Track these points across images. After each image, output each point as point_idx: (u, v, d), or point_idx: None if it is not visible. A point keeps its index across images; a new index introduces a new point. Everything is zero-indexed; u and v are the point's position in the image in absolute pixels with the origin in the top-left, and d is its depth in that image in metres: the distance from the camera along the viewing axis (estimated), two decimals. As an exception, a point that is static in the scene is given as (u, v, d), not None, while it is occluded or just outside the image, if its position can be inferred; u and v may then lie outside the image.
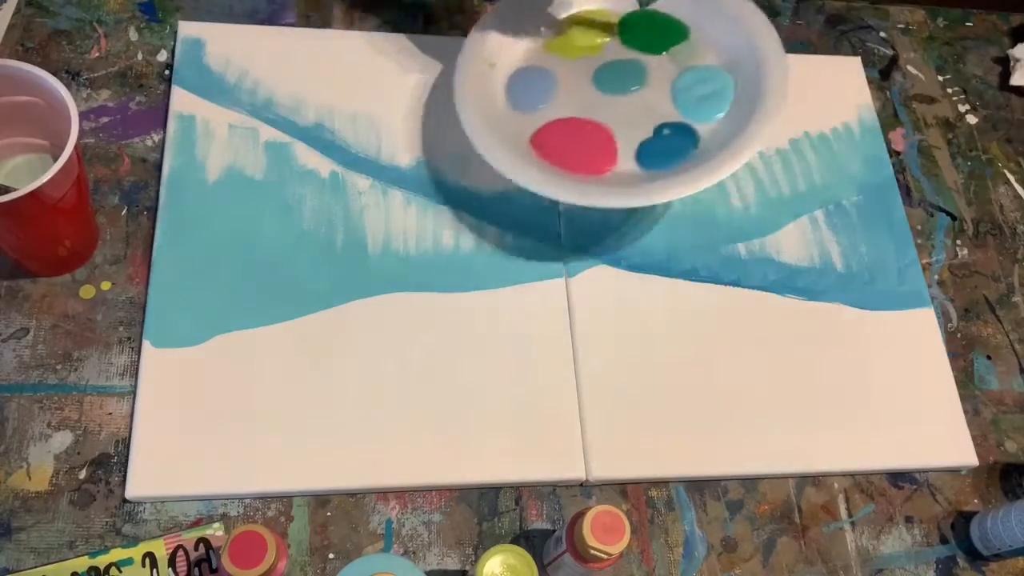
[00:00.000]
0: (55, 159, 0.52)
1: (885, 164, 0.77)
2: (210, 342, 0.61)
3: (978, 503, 0.66)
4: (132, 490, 0.56)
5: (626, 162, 0.65)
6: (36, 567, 0.54)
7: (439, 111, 0.71)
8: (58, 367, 0.59)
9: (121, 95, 0.69)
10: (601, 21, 0.71)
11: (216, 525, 0.56)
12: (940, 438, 0.66)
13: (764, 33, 0.67)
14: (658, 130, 0.66)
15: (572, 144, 0.65)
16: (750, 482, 0.63)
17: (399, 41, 0.74)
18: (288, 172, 0.67)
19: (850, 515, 0.64)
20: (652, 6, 0.71)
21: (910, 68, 0.84)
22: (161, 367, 0.59)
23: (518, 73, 0.69)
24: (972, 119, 0.83)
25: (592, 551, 0.50)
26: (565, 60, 0.69)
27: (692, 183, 0.61)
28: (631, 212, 0.70)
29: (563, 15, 0.71)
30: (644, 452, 0.62)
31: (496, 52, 0.68)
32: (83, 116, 0.67)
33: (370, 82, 0.72)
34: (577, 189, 0.61)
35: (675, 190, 0.61)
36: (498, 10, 0.69)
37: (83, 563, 0.54)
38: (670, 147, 0.65)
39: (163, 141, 0.67)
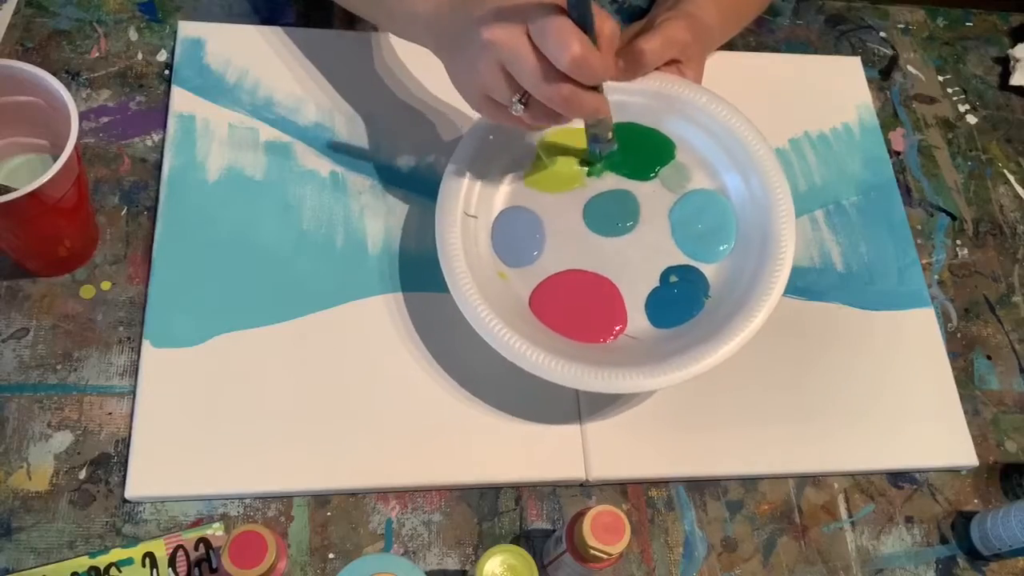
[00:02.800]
0: (55, 159, 0.52)
1: (885, 164, 0.77)
2: (210, 342, 0.61)
3: (978, 503, 0.66)
4: (132, 490, 0.56)
5: (636, 319, 0.60)
6: (36, 567, 0.54)
7: (439, 111, 0.71)
8: (58, 367, 0.59)
9: (121, 95, 0.69)
10: (579, 142, 0.63)
11: (216, 525, 0.56)
12: (940, 438, 0.66)
13: (757, 148, 0.62)
14: (664, 277, 0.61)
15: (575, 304, 0.60)
16: (750, 482, 0.63)
17: (399, 41, 0.74)
18: (288, 172, 0.67)
19: (850, 515, 0.64)
20: (630, 119, 0.64)
21: (910, 68, 0.84)
22: (161, 367, 0.59)
23: (501, 219, 0.62)
24: (972, 119, 0.83)
25: (592, 551, 0.50)
26: (549, 195, 0.63)
27: (713, 350, 0.56)
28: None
29: (536, 141, 0.64)
30: (644, 452, 0.62)
31: (474, 201, 0.62)
32: (83, 116, 0.67)
33: (370, 82, 0.72)
34: (602, 375, 0.56)
35: (696, 366, 0.56)
36: (465, 150, 0.62)
37: (83, 563, 0.54)
38: (680, 298, 0.60)
39: (163, 141, 0.67)
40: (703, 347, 0.57)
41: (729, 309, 0.58)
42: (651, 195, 0.63)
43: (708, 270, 0.61)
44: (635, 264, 0.62)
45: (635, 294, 0.61)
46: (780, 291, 0.58)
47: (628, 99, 0.63)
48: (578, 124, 0.61)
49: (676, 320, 0.60)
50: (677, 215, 0.63)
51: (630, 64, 0.62)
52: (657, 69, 0.63)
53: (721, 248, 0.62)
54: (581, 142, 0.63)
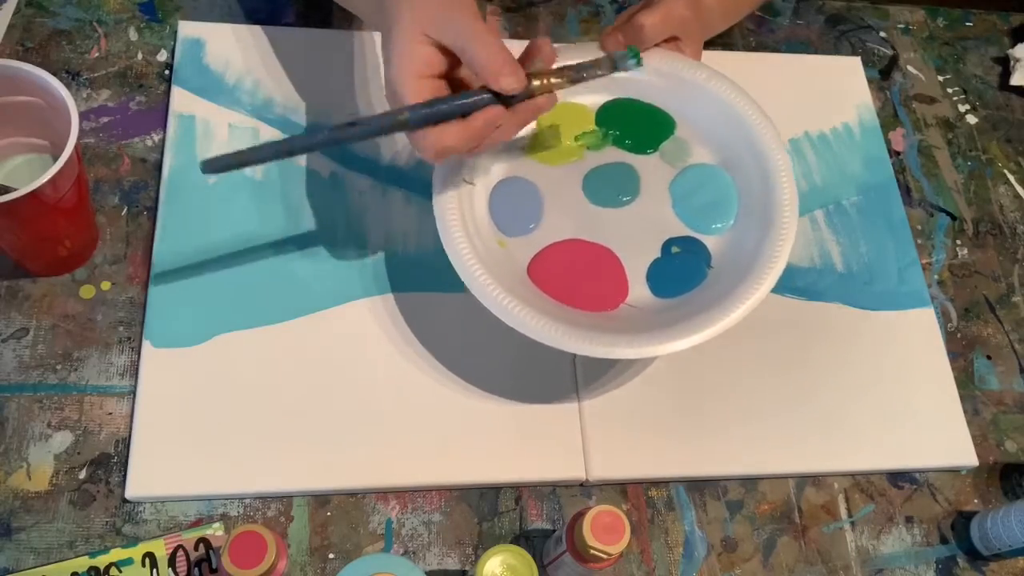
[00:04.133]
0: (55, 159, 0.52)
1: (885, 164, 0.77)
2: (210, 342, 0.61)
3: (978, 503, 0.66)
4: (132, 490, 0.56)
5: (638, 289, 0.59)
6: (36, 567, 0.54)
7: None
8: (58, 367, 0.59)
9: (121, 95, 0.69)
10: (577, 117, 0.63)
11: (216, 525, 0.56)
12: (940, 438, 0.66)
13: (758, 123, 0.62)
14: (666, 248, 0.60)
15: (576, 272, 0.59)
16: (750, 482, 0.63)
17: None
18: (288, 172, 0.67)
19: (850, 515, 0.64)
20: (629, 95, 0.64)
21: (910, 68, 0.84)
22: (161, 367, 0.59)
23: (500, 188, 0.61)
24: (972, 119, 0.83)
25: (592, 551, 0.50)
26: (547, 167, 0.62)
27: (717, 319, 0.55)
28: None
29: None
30: (644, 452, 0.62)
31: (473, 167, 0.60)
32: (83, 116, 0.67)
33: (370, 82, 0.72)
34: (603, 341, 0.54)
35: (699, 334, 0.55)
36: None
37: (83, 563, 0.54)
38: (682, 269, 0.60)
39: (163, 141, 0.67)
40: (706, 316, 0.56)
41: (732, 280, 0.58)
42: (652, 168, 0.63)
43: (710, 242, 0.61)
44: (636, 235, 0.61)
45: (636, 264, 0.60)
46: (783, 262, 0.58)
47: (628, 74, 0.63)
48: (581, 99, 0.62)
49: (678, 290, 0.59)
50: (678, 188, 0.63)
51: (630, 39, 0.62)
52: (656, 45, 0.63)
53: (723, 221, 0.62)
54: (580, 117, 0.63)
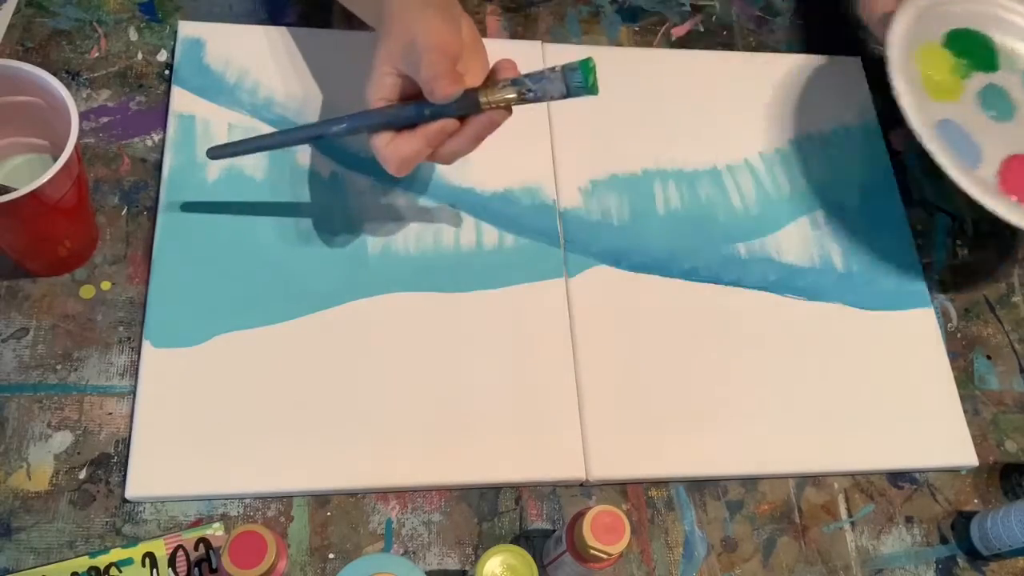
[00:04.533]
0: (55, 159, 0.52)
1: (885, 164, 0.77)
2: (210, 342, 0.61)
3: (978, 503, 0.66)
4: (132, 490, 0.56)
5: None
6: (36, 567, 0.54)
7: (439, 111, 0.71)
8: (58, 367, 0.59)
9: (121, 95, 0.69)
10: (934, 55, 0.71)
11: (216, 525, 0.56)
12: (940, 438, 0.66)
13: None
14: None
15: None
16: (750, 482, 0.63)
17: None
18: (288, 172, 0.67)
19: (850, 515, 0.64)
20: (953, 27, 0.72)
21: (910, 68, 0.84)
22: (161, 367, 0.59)
23: (936, 132, 0.67)
24: (972, 119, 0.83)
25: (592, 551, 0.50)
26: (951, 104, 0.70)
27: None
28: (632, 212, 0.70)
29: (916, 63, 0.70)
30: (644, 452, 0.62)
31: (920, 113, 0.66)
32: (83, 116, 0.67)
33: (370, 82, 0.72)
34: None
35: None
36: (897, 67, 0.67)
37: (83, 563, 0.54)
38: None
39: (163, 141, 0.67)
40: None
41: None
42: (1006, 81, 0.72)
43: None
44: None
45: None
46: None
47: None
48: (928, 40, 0.70)
49: None
50: None
51: None
52: None
53: None
54: (936, 53, 0.71)
